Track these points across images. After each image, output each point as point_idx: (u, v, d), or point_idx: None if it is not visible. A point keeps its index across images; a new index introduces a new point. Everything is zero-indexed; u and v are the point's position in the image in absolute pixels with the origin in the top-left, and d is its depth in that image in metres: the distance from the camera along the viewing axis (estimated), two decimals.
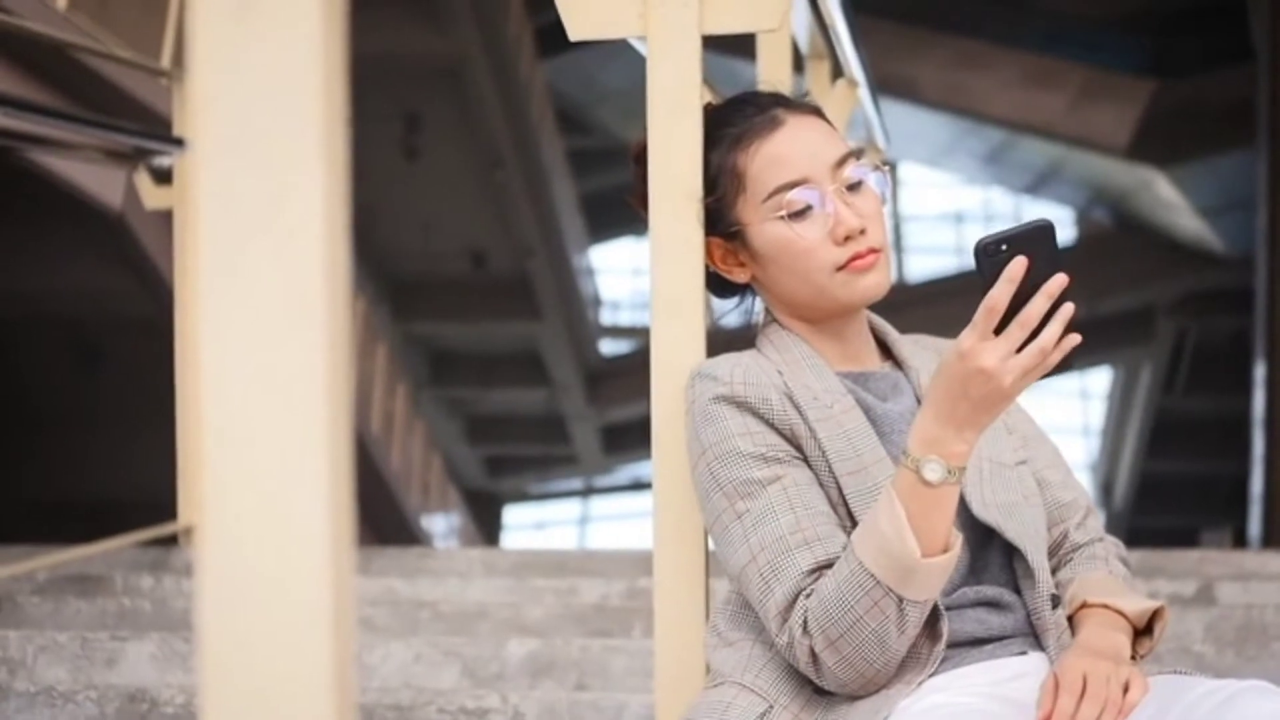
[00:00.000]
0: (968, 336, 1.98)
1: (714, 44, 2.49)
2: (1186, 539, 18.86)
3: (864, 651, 2.06)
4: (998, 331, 1.97)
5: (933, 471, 2.00)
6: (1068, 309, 1.97)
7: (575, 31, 2.53)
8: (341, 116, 1.01)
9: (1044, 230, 1.99)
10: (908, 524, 2.00)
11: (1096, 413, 29.37)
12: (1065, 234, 26.67)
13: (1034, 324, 1.96)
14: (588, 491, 32.64)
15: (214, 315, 1.00)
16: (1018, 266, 1.95)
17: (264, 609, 1.00)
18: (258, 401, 1.00)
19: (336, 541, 1.00)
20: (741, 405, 2.21)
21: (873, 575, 2.02)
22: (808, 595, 2.09)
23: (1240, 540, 15.93)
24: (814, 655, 2.08)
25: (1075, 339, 1.98)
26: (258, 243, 1.00)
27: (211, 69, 1.01)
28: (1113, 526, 25.71)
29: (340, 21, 1.02)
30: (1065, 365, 1.99)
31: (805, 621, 2.08)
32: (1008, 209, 28.33)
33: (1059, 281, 1.97)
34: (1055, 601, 2.25)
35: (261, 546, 1.00)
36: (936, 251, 28.38)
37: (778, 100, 2.37)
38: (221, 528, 1.00)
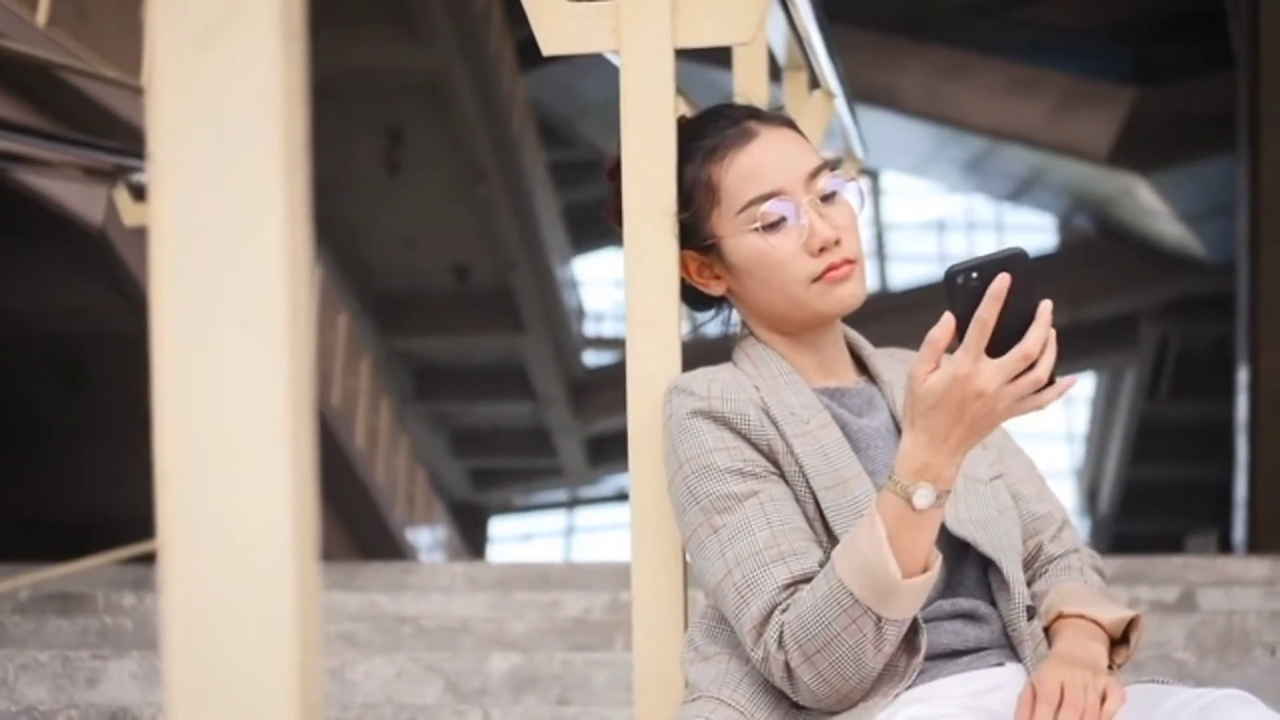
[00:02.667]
0: (963, 360, 1.95)
1: (690, 55, 2.49)
2: (1172, 544, 18.89)
3: (840, 668, 2.06)
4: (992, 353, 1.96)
5: (923, 498, 2.00)
6: (1052, 337, 1.96)
7: (548, 46, 2.53)
8: (303, 135, 1.02)
9: (1017, 258, 1.97)
10: (888, 544, 2.00)
11: (1080, 419, 29.42)
12: (1047, 241, 26.73)
13: (1035, 355, 1.94)
14: (573, 503, 32.64)
15: (176, 332, 1.00)
16: (1001, 283, 1.94)
17: (229, 627, 1.00)
18: (221, 419, 1.00)
19: (301, 558, 1.00)
20: (718, 420, 2.21)
21: (851, 593, 2.02)
22: (783, 610, 2.09)
23: (1225, 545, 15.95)
24: (789, 670, 2.08)
25: (1071, 379, 1.98)
26: (219, 261, 1.00)
27: (173, 91, 1.01)
28: (1098, 533, 25.80)
29: (300, 45, 1.02)
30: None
31: (781, 636, 2.08)
32: (989, 217, 28.37)
33: (1047, 308, 1.95)
34: (1031, 613, 2.25)
35: (226, 565, 1.00)
36: (918, 260, 28.41)
37: (751, 113, 2.37)
38: (186, 546, 1.00)
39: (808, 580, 2.11)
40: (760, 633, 2.10)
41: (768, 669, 2.11)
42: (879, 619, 2.02)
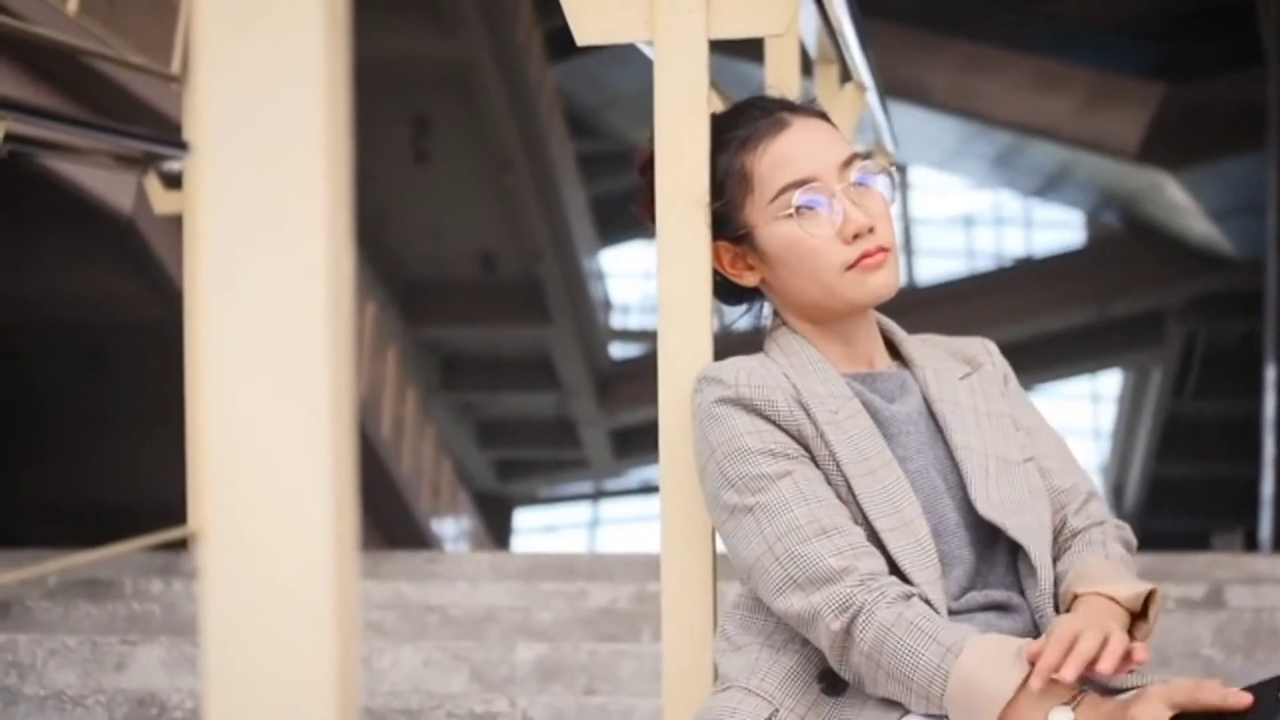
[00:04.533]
0: (1173, 693, 1.93)
1: (722, 48, 2.49)
2: (1198, 542, 18.83)
3: (890, 687, 2.07)
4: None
5: (1059, 715, 1.98)
6: None
7: (582, 36, 2.53)
8: (344, 123, 1.02)
9: None
10: (1003, 709, 1.98)
11: (1107, 416, 29.35)
12: (1075, 237, 26.69)
13: None
14: (598, 495, 32.65)
15: (217, 320, 1.00)
16: (1240, 700, 1.91)
17: (268, 614, 1.00)
18: (261, 406, 1.00)
19: (341, 545, 1.00)
20: (747, 407, 2.21)
21: (944, 687, 2.01)
22: (862, 585, 2.08)
23: (1252, 543, 15.92)
24: (844, 646, 2.08)
25: None
26: (261, 248, 1.00)
27: (215, 76, 1.01)
28: None
29: (343, 29, 1.02)
30: None
31: (855, 616, 2.06)
32: (1017, 212, 28.31)
33: None
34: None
35: (265, 551, 1.00)
36: (946, 254, 28.37)
37: (783, 104, 2.38)
38: (226, 533, 1.00)
39: (858, 549, 2.11)
40: (809, 599, 2.10)
41: (814, 631, 2.11)
42: (941, 706, 2.03)
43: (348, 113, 1.03)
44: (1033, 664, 1.98)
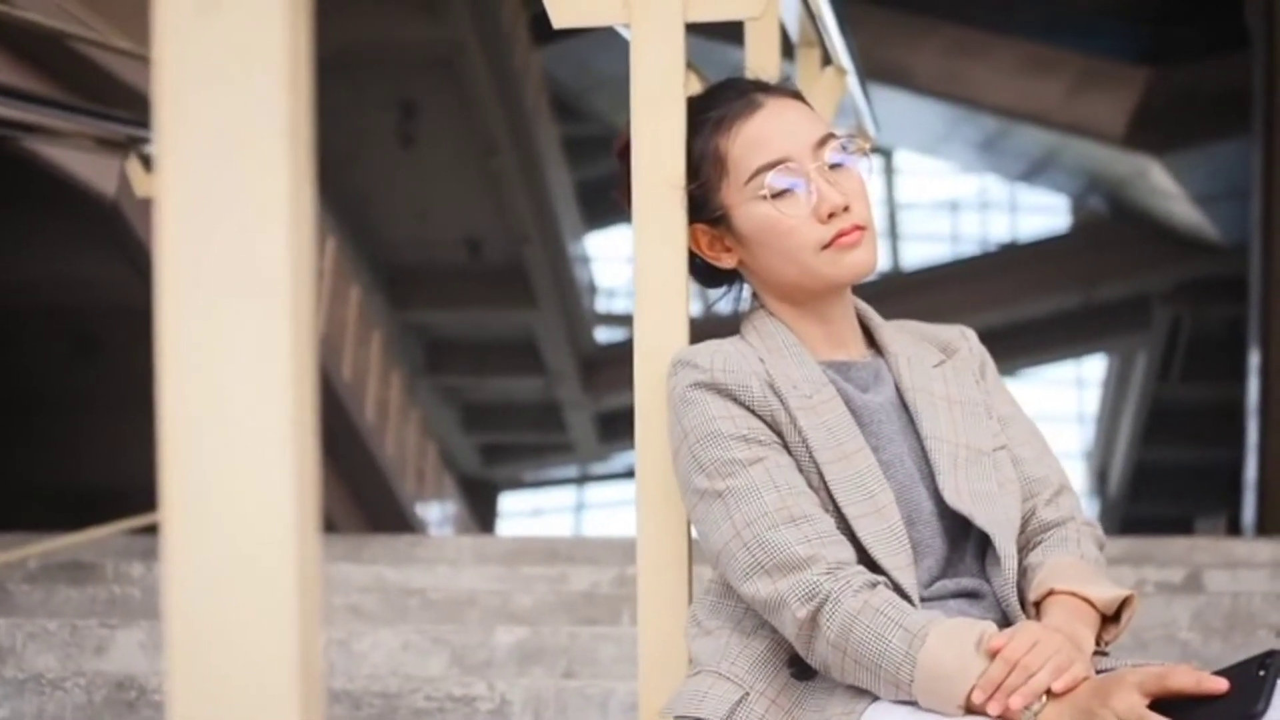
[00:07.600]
0: (1145, 678, 1.94)
1: (703, 31, 2.49)
2: (1182, 527, 18.84)
3: (859, 675, 2.08)
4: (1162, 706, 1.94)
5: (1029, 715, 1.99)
6: None
7: (559, 19, 2.53)
8: (307, 105, 1.02)
9: None
10: (966, 696, 2.00)
11: (1091, 400, 29.38)
12: (1060, 222, 26.71)
13: None
14: (583, 479, 32.64)
15: (180, 302, 1.00)
16: (1216, 685, 1.92)
17: (230, 598, 1.00)
18: (223, 390, 1.00)
19: (303, 528, 1.00)
20: (721, 391, 2.21)
21: (911, 673, 2.02)
22: (829, 574, 2.08)
23: (1235, 528, 15.93)
24: (812, 635, 2.08)
25: None
26: (223, 231, 1.00)
27: (177, 59, 1.01)
28: (1107, 514, 25.78)
29: (306, 11, 1.02)
30: None
31: (821, 605, 2.07)
32: (1003, 197, 28.30)
33: None
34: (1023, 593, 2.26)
35: (227, 535, 1.00)
36: (932, 239, 28.35)
37: (757, 85, 2.38)
38: (187, 516, 1.00)
39: (827, 539, 2.11)
40: (776, 587, 2.10)
41: (780, 619, 2.12)
42: (912, 691, 2.04)
43: (312, 93, 1.03)
44: (993, 656, 2.00)
